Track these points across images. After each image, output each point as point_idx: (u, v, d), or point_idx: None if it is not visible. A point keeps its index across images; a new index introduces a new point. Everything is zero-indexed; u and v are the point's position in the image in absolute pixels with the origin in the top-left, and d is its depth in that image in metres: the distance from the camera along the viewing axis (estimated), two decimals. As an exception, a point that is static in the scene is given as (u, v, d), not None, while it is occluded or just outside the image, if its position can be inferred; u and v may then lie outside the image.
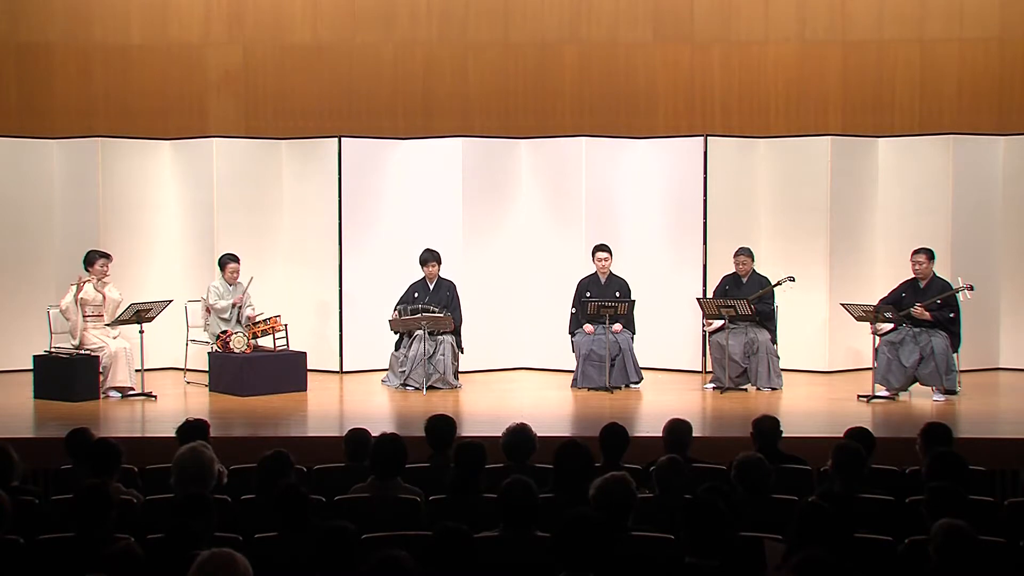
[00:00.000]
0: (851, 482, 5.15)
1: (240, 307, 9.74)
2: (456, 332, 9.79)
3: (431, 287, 9.88)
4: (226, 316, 9.71)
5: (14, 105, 11.53)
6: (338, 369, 10.55)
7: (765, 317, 9.64)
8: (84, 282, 9.38)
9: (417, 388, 9.55)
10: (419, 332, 9.59)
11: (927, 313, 9.01)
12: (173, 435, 5.95)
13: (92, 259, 9.47)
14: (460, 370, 9.84)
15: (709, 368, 10.00)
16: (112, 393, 9.25)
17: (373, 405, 9.29)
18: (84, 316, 9.38)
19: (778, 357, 9.61)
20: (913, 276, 9.27)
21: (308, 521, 4.55)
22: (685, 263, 10.55)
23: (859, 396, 8.99)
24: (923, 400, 9.01)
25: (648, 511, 4.82)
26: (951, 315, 9.10)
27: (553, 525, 4.01)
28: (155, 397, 9.13)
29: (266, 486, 5.00)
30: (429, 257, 9.85)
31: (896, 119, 11.44)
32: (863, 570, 4.17)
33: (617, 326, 9.69)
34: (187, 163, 10.72)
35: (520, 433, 5.78)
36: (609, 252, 9.92)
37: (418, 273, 9.94)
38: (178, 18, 11.61)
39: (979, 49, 11.43)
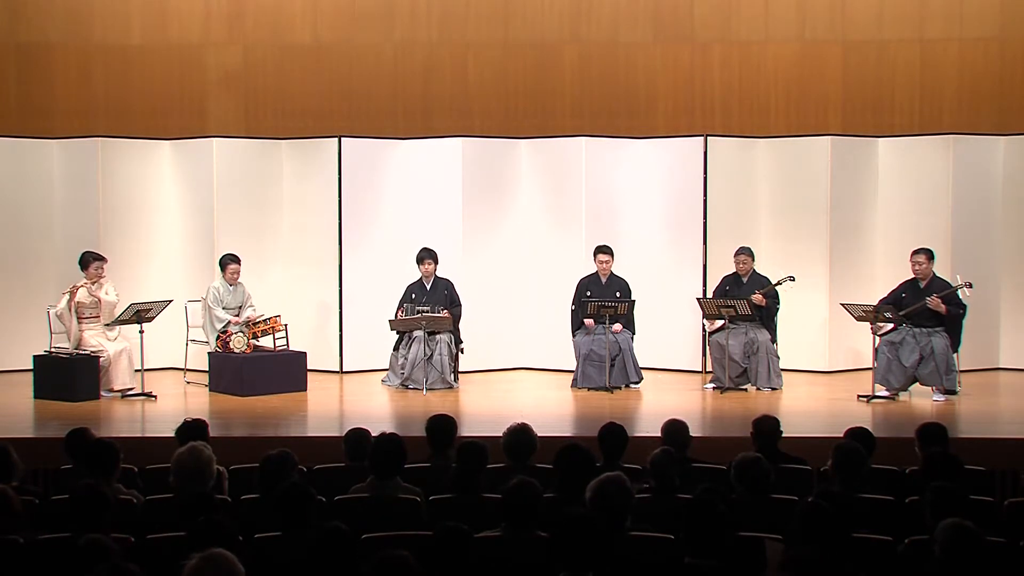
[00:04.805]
0: (851, 482, 5.15)
1: (241, 307, 9.77)
2: (455, 327, 9.79)
3: (428, 287, 9.87)
4: (232, 315, 9.72)
5: (14, 105, 11.53)
6: (338, 369, 10.54)
7: (768, 316, 9.63)
8: (77, 288, 9.37)
9: (417, 388, 9.55)
10: (419, 332, 9.60)
11: (943, 305, 9.00)
12: (173, 435, 5.95)
13: (86, 262, 9.46)
14: (460, 370, 9.84)
15: (709, 368, 9.99)
16: (112, 393, 9.25)
17: (373, 405, 9.29)
18: (80, 319, 9.37)
19: (778, 357, 9.61)
20: (913, 276, 9.28)
21: (310, 520, 4.55)
22: (685, 263, 10.54)
23: (859, 396, 8.99)
24: (923, 400, 9.01)
25: (646, 510, 4.81)
26: (960, 311, 9.11)
27: (553, 525, 4.01)
28: (155, 397, 9.13)
29: (269, 485, 5.00)
30: (425, 255, 9.84)
31: (896, 119, 11.44)
32: (863, 570, 4.17)
33: (617, 326, 9.68)
34: (187, 163, 10.71)
35: (520, 433, 5.78)
36: (610, 254, 9.91)
37: (416, 273, 9.94)
38: (178, 18, 11.61)
39: (979, 49, 11.42)
